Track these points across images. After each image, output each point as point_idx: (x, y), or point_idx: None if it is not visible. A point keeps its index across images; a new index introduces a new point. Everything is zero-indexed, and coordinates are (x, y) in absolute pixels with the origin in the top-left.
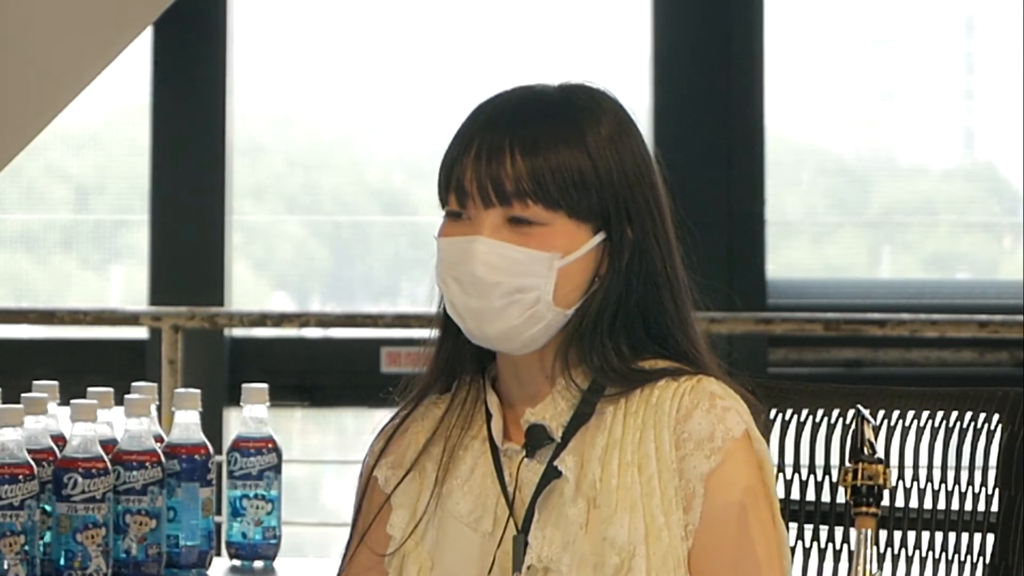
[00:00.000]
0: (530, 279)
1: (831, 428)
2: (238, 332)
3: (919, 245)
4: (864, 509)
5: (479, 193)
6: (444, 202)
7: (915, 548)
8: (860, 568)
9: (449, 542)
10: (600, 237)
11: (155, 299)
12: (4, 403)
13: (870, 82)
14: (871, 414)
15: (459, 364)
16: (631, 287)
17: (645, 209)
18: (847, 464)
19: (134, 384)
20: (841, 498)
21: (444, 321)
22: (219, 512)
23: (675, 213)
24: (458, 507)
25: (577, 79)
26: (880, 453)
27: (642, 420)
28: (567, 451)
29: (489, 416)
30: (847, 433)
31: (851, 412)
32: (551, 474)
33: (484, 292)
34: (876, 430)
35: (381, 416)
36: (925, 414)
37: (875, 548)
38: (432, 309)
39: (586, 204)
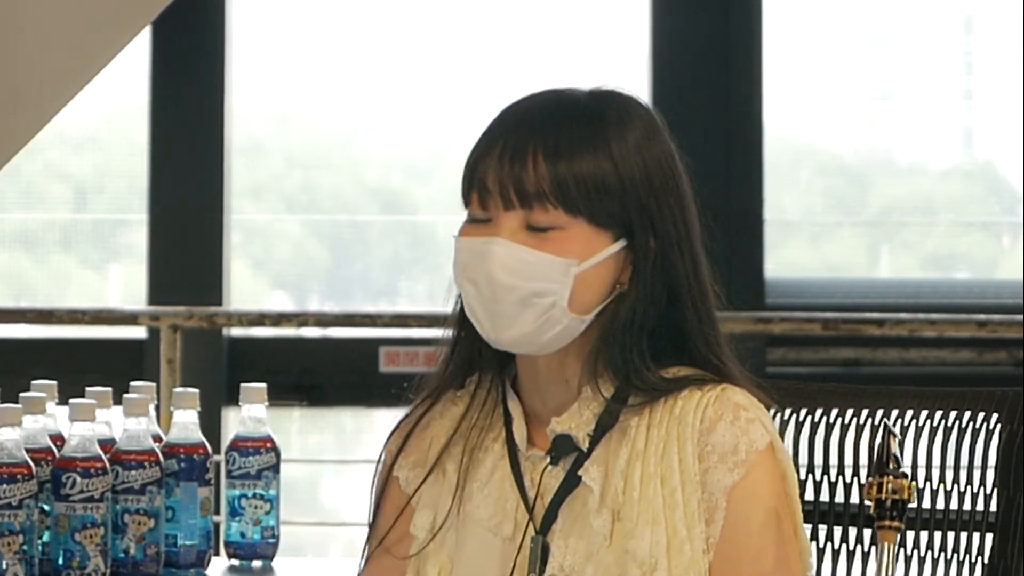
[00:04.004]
0: (546, 284)
1: (829, 428)
2: (237, 332)
3: (918, 244)
4: (888, 523)
5: (500, 194)
6: (467, 202)
7: (914, 547)
8: None
9: (469, 545)
10: (620, 245)
11: (154, 299)
12: (3, 402)
13: (869, 81)
14: (869, 414)
15: (477, 363)
16: (655, 296)
17: (670, 219)
18: (872, 477)
19: (132, 384)
20: (840, 497)
21: (460, 319)
22: (217, 512)
23: (703, 222)
24: (478, 511)
25: (608, 85)
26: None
27: (665, 431)
28: (591, 461)
29: (508, 419)
30: (845, 433)
31: (850, 412)
32: (572, 481)
33: (500, 296)
34: (902, 444)
35: (380, 416)
36: (924, 414)
37: (903, 554)
38: (431, 308)
39: (607, 211)
